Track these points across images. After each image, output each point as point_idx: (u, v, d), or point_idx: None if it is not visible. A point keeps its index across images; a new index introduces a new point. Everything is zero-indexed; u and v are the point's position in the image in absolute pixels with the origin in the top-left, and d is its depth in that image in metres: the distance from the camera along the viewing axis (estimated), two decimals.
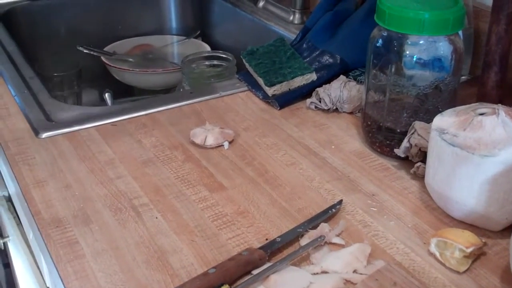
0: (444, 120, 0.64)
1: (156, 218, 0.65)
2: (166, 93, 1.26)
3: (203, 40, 1.40)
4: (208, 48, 1.33)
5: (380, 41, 0.74)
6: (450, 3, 0.71)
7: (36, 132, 0.81)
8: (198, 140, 0.78)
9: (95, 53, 1.31)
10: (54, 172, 0.73)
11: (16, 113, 0.87)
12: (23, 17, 1.32)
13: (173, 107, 0.88)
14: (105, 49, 1.35)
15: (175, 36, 1.45)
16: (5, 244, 1.09)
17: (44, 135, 0.80)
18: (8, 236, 1.06)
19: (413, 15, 0.69)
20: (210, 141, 0.77)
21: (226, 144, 0.78)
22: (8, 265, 1.22)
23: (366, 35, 0.77)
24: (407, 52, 0.73)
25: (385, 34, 0.73)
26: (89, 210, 0.66)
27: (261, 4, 1.28)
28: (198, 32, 1.42)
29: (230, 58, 1.08)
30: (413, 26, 0.70)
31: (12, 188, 0.82)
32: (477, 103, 0.67)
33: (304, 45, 1.00)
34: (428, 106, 0.74)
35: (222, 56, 1.09)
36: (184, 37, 1.42)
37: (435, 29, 0.70)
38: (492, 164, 0.59)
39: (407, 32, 0.71)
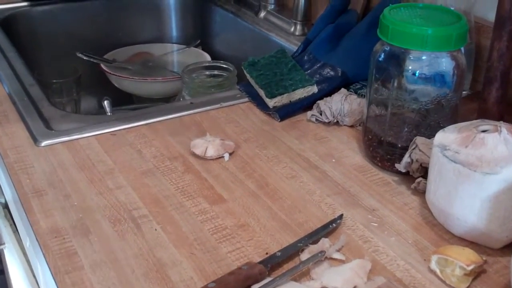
0: (446, 137, 0.64)
1: (156, 230, 0.65)
2: (166, 102, 1.26)
3: (203, 49, 1.40)
4: (208, 57, 1.33)
5: (382, 55, 0.74)
6: (453, 19, 0.71)
7: (36, 140, 0.80)
8: (198, 151, 0.77)
9: (94, 60, 1.30)
10: (53, 182, 0.72)
11: (15, 121, 0.86)
12: (23, 23, 1.32)
13: (174, 117, 0.88)
14: (105, 56, 1.34)
15: (175, 45, 1.45)
16: (0, 251, 1.08)
17: (44, 143, 0.80)
18: (4, 244, 1.05)
19: (416, 30, 0.69)
20: (211, 152, 0.77)
21: (226, 155, 0.78)
22: (2, 272, 1.21)
23: (367, 49, 0.77)
24: (410, 67, 0.73)
25: (387, 48, 0.73)
26: (88, 221, 0.66)
27: (262, 14, 1.29)
28: (199, 41, 1.42)
29: (231, 68, 1.07)
30: (416, 41, 0.70)
31: (9, 196, 0.82)
32: (479, 120, 0.67)
33: (306, 57, 1.00)
34: (430, 122, 0.74)
35: (223, 66, 1.09)
36: (184, 46, 1.42)
37: (438, 45, 0.70)
38: (494, 182, 0.59)
39: (410, 47, 0.71)
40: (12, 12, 1.30)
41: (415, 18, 0.72)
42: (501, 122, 0.64)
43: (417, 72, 0.73)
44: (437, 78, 0.73)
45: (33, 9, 1.33)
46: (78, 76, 1.29)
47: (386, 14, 0.72)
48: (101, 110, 1.20)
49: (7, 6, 1.31)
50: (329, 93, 0.90)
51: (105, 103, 1.17)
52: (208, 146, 0.77)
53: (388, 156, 0.75)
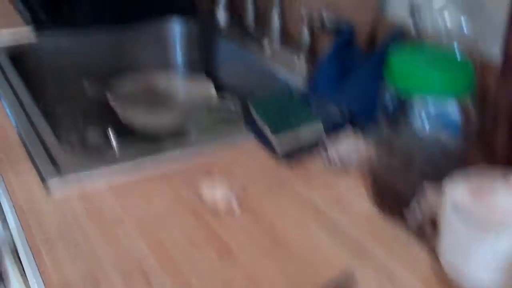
0: (456, 191, 0.64)
1: (165, 284, 0.64)
2: (172, 134, 1.26)
3: (208, 80, 1.40)
4: (213, 87, 1.33)
5: (390, 99, 0.73)
6: (461, 64, 0.71)
7: (45, 186, 0.80)
8: (208, 201, 0.77)
9: (100, 91, 1.30)
10: (63, 231, 0.72)
11: (24, 160, 0.87)
12: (30, 55, 1.32)
13: (183, 161, 0.88)
14: (111, 86, 1.34)
15: (180, 75, 1.45)
16: None
17: (54, 189, 0.80)
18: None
19: (423, 75, 0.69)
20: (220, 199, 0.77)
21: (235, 203, 0.77)
22: None
23: (374, 88, 0.77)
24: (417, 112, 0.72)
25: (395, 93, 0.73)
26: (98, 273, 0.66)
27: (267, 47, 1.29)
28: (204, 71, 1.42)
29: (237, 104, 1.07)
30: (423, 86, 0.70)
31: (18, 242, 0.82)
32: (488, 169, 0.66)
33: (312, 95, 1.00)
34: (438, 167, 0.74)
35: (229, 102, 1.09)
36: (189, 76, 1.42)
37: (445, 91, 0.70)
38: (507, 241, 0.59)
39: (416, 92, 0.70)
40: (19, 44, 1.31)
41: (423, 63, 0.72)
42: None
43: (425, 118, 0.72)
44: (445, 124, 0.73)
45: (39, 41, 1.33)
46: (83, 106, 1.29)
47: (392, 58, 0.72)
48: (106, 140, 1.21)
49: (14, 38, 1.32)
50: (335, 132, 0.90)
51: (110, 132, 1.18)
52: (216, 193, 0.77)
53: (397, 204, 0.75)
